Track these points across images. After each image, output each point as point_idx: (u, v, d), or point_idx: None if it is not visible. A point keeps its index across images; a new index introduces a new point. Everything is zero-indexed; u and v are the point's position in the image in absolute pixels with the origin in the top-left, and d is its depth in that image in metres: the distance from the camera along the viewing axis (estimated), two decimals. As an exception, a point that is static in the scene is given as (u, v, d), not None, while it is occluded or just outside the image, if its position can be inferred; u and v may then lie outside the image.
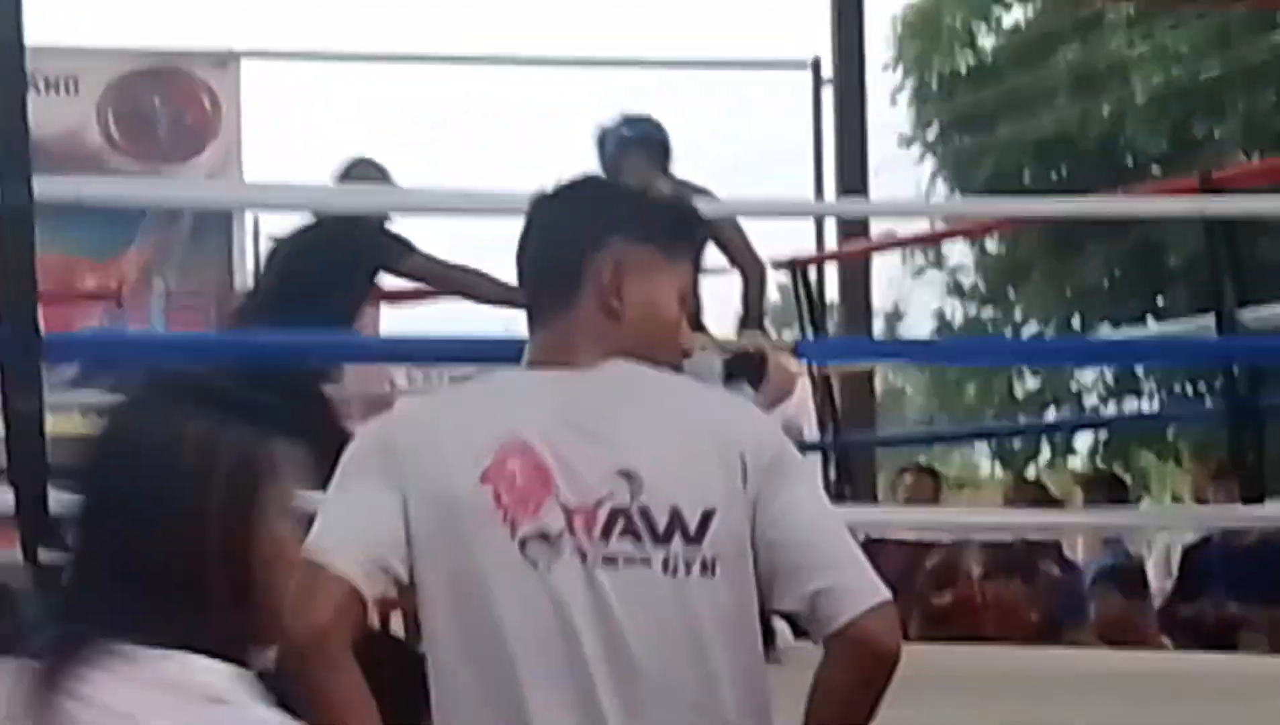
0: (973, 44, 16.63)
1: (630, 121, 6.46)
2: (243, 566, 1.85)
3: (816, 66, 11.38)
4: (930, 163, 16.78)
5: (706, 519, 2.43)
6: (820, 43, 11.29)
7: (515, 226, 2.67)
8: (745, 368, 5.30)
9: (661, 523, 2.43)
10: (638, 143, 6.37)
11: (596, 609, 2.41)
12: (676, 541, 2.43)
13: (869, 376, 10.94)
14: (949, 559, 7.69)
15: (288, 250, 6.22)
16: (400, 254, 6.05)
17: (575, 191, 2.69)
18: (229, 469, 1.86)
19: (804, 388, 8.54)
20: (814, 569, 2.45)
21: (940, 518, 7.82)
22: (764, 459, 2.48)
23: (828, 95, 11.20)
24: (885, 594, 2.47)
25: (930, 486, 8.55)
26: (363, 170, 6.25)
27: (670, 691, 2.42)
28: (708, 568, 2.43)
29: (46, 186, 4.72)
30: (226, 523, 1.85)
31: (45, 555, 6.89)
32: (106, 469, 1.89)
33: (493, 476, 2.42)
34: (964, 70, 16.43)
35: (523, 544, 2.41)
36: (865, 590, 2.45)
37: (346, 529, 2.42)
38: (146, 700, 1.76)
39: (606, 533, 2.42)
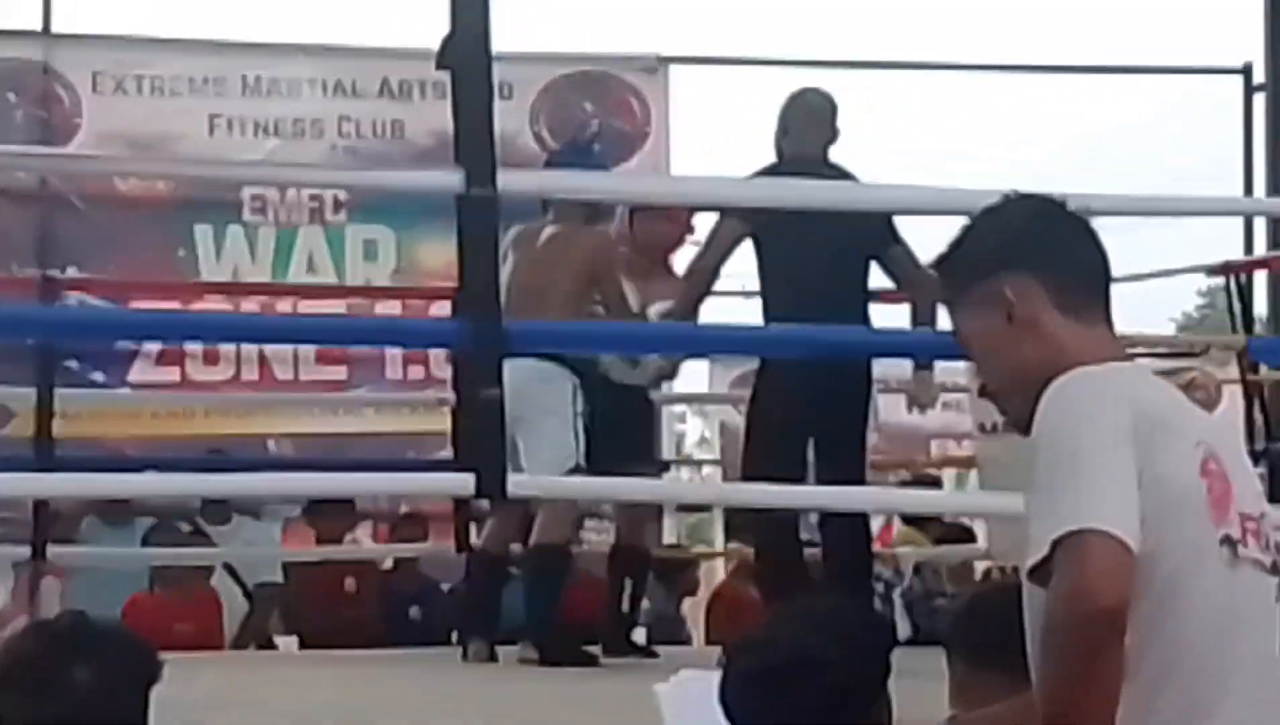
0: None
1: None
2: None
3: (1248, 72, 11.15)
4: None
5: None
6: (1252, 48, 11.07)
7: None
8: None
9: (1275, 539, 2.64)
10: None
11: (1269, 611, 2.59)
12: None
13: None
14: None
15: None
16: None
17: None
18: None
19: (1230, 397, 8.39)
20: None
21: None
22: None
23: (1259, 102, 10.97)
24: None
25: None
26: (809, 99, 6.46)
27: None
28: None
29: (509, 181, 4.89)
30: None
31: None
32: None
33: (1205, 471, 2.58)
34: None
35: (1220, 542, 2.57)
36: None
37: (1120, 497, 2.50)
38: None
39: (1266, 545, 2.62)
